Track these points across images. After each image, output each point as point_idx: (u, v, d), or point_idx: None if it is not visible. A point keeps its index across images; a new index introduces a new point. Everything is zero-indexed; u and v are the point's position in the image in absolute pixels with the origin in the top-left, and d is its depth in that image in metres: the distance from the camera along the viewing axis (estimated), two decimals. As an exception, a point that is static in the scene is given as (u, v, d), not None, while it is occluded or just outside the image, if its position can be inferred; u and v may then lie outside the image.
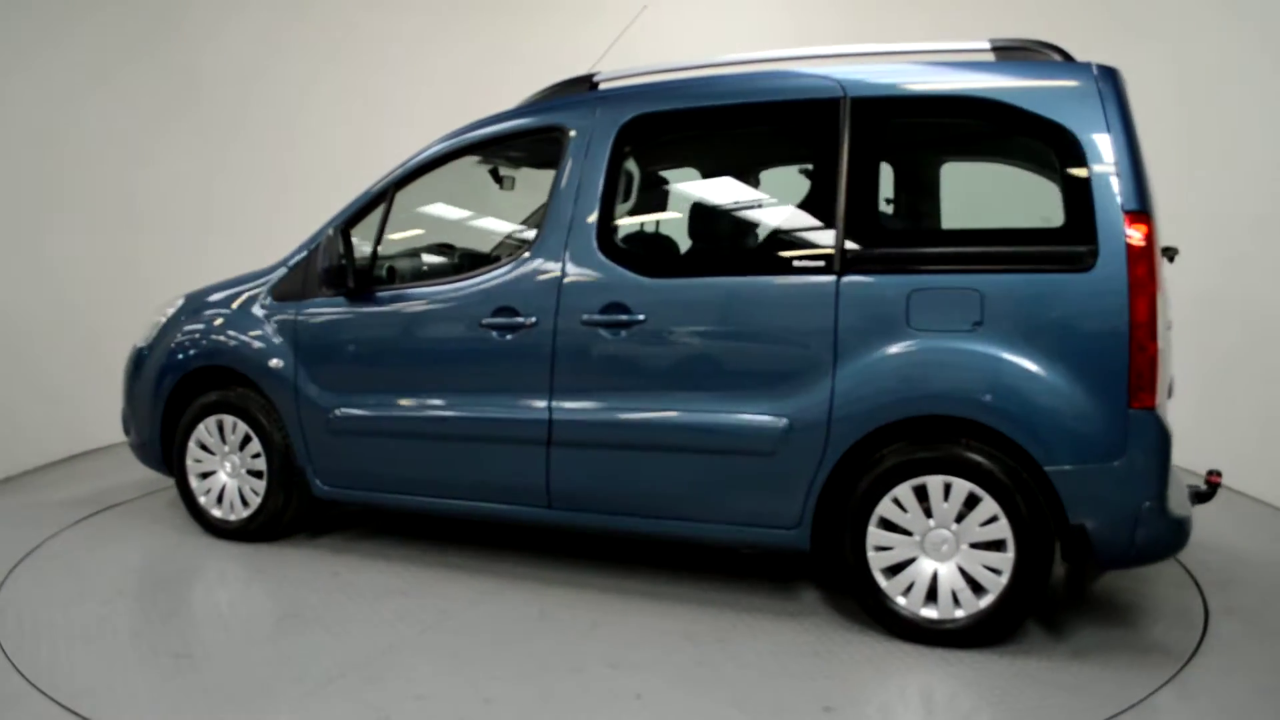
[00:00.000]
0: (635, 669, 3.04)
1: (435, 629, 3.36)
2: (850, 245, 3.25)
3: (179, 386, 4.41)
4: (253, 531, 4.31)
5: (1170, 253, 3.72)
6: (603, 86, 3.86)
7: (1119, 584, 3.78)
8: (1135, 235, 2.97)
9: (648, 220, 3.76)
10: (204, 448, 4.39)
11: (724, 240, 3.77)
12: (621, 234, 3.65)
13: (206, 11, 7.17)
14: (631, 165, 3.72)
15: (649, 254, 3.65)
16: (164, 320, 4.53)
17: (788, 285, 3.32)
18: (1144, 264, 2.96)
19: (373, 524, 4.61)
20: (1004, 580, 3.11)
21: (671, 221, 3.84)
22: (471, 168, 4.29)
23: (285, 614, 3.49)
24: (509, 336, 3.68)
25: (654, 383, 3.52)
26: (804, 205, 3.41)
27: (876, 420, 3.19)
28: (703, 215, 3.82)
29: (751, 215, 3.77)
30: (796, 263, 3.31)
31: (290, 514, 4.27)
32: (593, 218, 3.61)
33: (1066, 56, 3.28)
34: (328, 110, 7.45)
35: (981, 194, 3.51)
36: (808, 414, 3.27)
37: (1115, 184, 3.00)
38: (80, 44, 6.24)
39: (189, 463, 4.42)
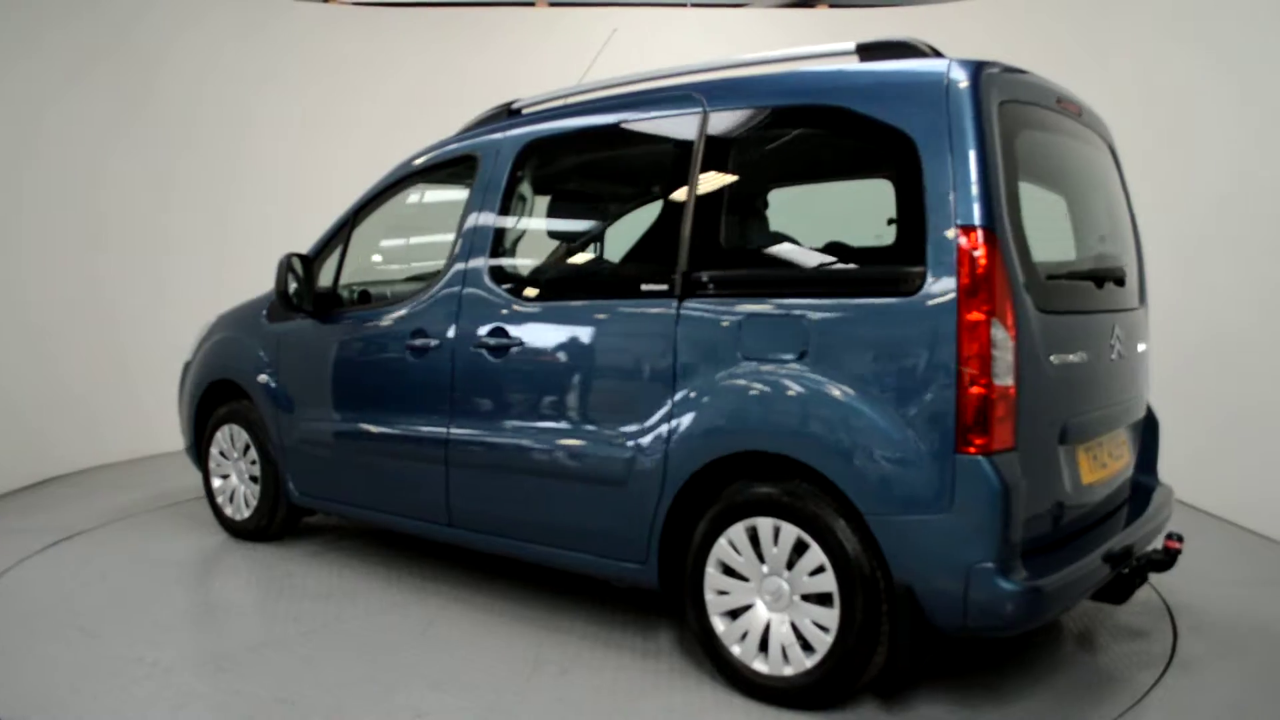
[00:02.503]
0: (454, 689, 3.05)
1: (318, 632, 3.54)
2: (691, 268, 3.08)
3: (204, 397, 4.94)
4: (251, 531, 4.73)
5: (1112, 275, 3.19)
6: (525, 112, 3.90)
7: (1084, 603, 3.41)
8: (968, 253, 2.58)
9: (530, 244, 3.74)
10: (223, 454, 4.88)
11: (588, 263, 3.67)
12: (507, 258, 3.67)
13: (161, 30, 7.02)
14: (525, 190, 3.72)
15: (526, 277, 3.64)
16: (201, 337, 5.10)
17: (635, 310, 3.20)
18: (980, 287, 2.56)
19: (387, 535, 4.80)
20: (829, 640, 2.79)
21: (551, 245, 3.79)
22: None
23: (202, 604, 3.81)
24: (421, 359, 3.81)
25: (526, 406, 3.51)
26: (656, 225, 3.27)
27: (706, 454, 2.99)
28: (572, 238, 3.75)
29: (615, 237, 3.65)
30: (644, 286, 3.18)
31: (280, 517, 4.64)
32: (486, 242, 3.67)
33: (936, 53, 2.90)
34: (293, 130, 7.58)
35: (834, 211, 3.18)
36: (649, 444, 3.12)
37: (952, 196, 2.62)
38: (40, 55, 6.07)
39: (211, 465, 4.94)
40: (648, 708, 2.93)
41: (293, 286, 4.21)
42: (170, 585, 4.12)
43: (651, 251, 3.20)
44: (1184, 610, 3.75)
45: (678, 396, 3.06)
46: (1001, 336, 2.58)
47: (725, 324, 2.99)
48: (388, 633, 3.54)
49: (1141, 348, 3.55)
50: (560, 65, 3.40)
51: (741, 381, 2.94)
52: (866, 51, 3.00)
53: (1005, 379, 2.59)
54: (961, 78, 2.70)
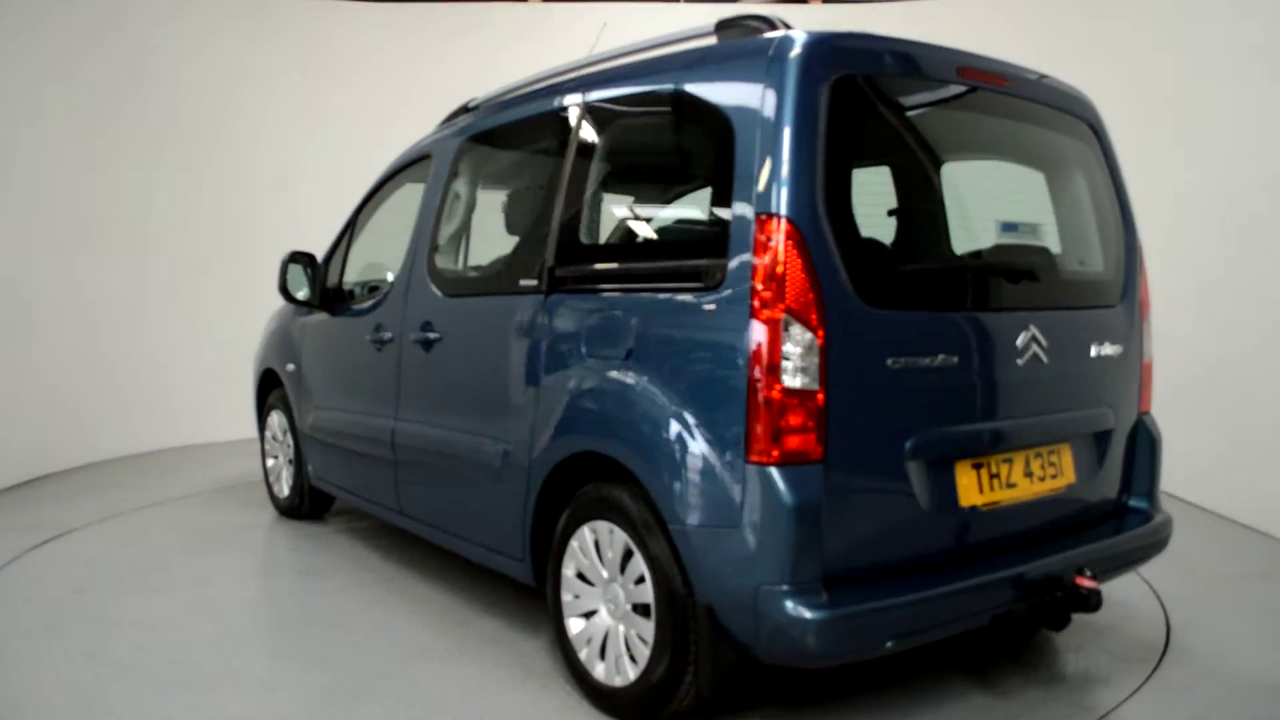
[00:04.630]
0: (327, 666, 3.16)
1: (261, 605, 3.81)
2: (555, 263, 3.01)
3: (260, 385, 5.40)
4: (287, 509, 5.15)
5: (1010, 268, 2.77)
6: (472, 109, 3.96)
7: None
8: (765, 244, 2.35)
9: (458, 240, 3.77)
10: (273, 437, 5.33)
11: (489, 258, 3.62)
12: (439, 254, 3.74)
13: (148, 24, 7.06)
14: (460, 187, 3.77)
15: (450, 273, 3.69)
16: (265, 327, 5.58)
17: (513, 305, 3.17)
18: (775, 281, 2.33)
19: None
20: (647, 654, 2.65)
21: (473, 240, 3.80)
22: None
23: (198, 576, 4.18)
24: (380, 352, 3.98)
25: (441, 399, 3.59)
26: (536, 219, 3.21)
27: (559, 453, 2.92)
28: (484, 232, 3.72)
29: (517, 232, 3.59)
30: (522, 281, 3.15)
31: (308, 498, 5.00)
32: (427, 239, 3.77)
33: (787, 28, 2.64)
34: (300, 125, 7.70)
35: (684, 201, 2.96)
36: (519, 441, 3.10)
37: (758, 181, 2.39)
38: (26, 50, 6.05)
39: (265, 448, 5.40)
40: (491, 704, 2.90)
41: (294, 282, 4.52)
42: (174, 578, 4.49)
43: (531, 246, 3.16)
44: (1177, 604, 3.70)
45: (540, 393, 3.01)
46: (802, 336, 2.32)
47: (575, 321, 2.90)
48: (324, 610, 3.73)
49: (1110, 350, 3.06)
50: (552, 60, 3.41)
51: (583, 381, 2.84)
52: (723, 29, 2.80)
53: (806, 383, 2.33)
54: (785, 51, 2.45)
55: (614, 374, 2.73)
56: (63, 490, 5.87)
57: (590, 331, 2.84)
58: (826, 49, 2.45)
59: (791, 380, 2.32)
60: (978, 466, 2.68)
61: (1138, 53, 5.94)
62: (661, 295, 2.62)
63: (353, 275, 4.59)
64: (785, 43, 2.47)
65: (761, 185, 2.38)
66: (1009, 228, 2.89)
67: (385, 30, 7.95)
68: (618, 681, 2.75)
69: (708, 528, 2.44)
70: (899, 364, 2.45)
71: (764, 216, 2.35)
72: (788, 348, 2.32)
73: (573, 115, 3.12)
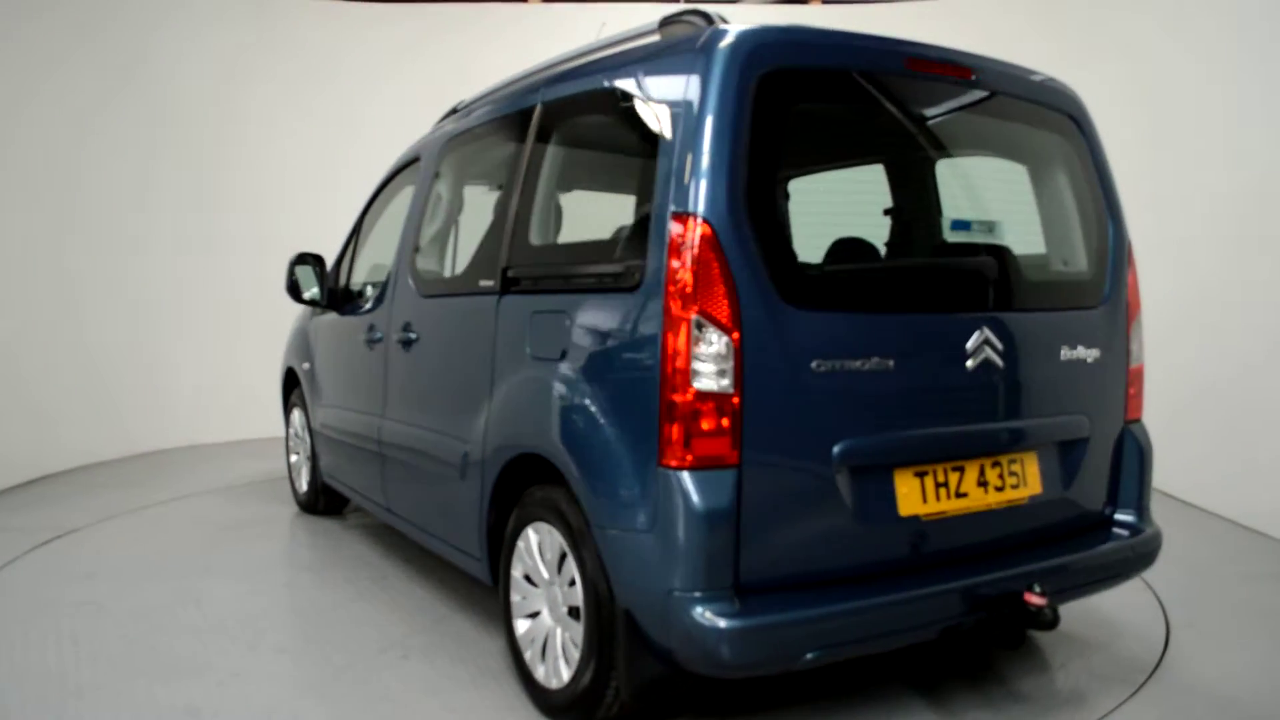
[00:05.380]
0: (288, 657, 3.25)
1: (262, 594, 3.90)
2: (508, 263, 3.02)
3: (285, 384, 5.56)
4: (305, 505, 5.30)
5: (961, 268, 2.65)
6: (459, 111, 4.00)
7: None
8: (678, 244, 2.30)
9: (434, 241, 3.80)
10: (295, 434, 5.48)
11: (462, 258, 3.63)
12: (420, 255, 3.79)
13: (142, 22, 7.10)
14: (441, 188, 3.81)
15: (427, 273, 3.72)
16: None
17: (473, 305, 3.19)
18: (687, 281, 2.28)
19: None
20: (577, 658, 2.63)
21: (447, 241, 3.82)
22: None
23: (203, 567, 4.33)
24: (371, 351, 4.06)
25: (416, 397, 3.63)
26: (495, 220, 3.21)
27: (508, 453, 2.92)
28: (456, 233, 3.74)
29: (481, 231, 3.59)
30: (482, 282, 3.17)
31: (322, 494, 5.12)
32: (411, 239, 3.83)
33: (720, 22, 2.59)
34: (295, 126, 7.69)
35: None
36: (475, 440, 3.11)
37: (680, 179, 2.35)
38: (19, 44, 6.07)
39: (288, 445, 5.56)
40: (440, 701, 2.92)
41: (302, 283, 4.64)
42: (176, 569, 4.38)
43: (491, 247, 3.17)
44: (1176, 605, 3.70)
45: (493, 394, 3.02)
46: (716, 338, 2.27)
47: (521, 322, 2.90)
48: (309, 604, 3.83)
49: (1085, 355, 2.90)
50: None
51: (525, 382, 2.84)
52: (665, 25, 2.75)
53: (720, 386, 2.27)
54: (711, 46, 2.40)
55: (549, 375, 2.72)
56: (70, 489, 5.93)
57: (533, 332, 2.83)
58: (754, 43, 2.39)
59: (704, 383, 2.27)
60: (921, 475, 2.57)
61: (1144, 52, 5.95)
62: (591, 296, 2.60)
63: (360, 276, 4.69)
64: (713, 37, 2.42)
65: (680, 183, 2.33)
66: (960, 226, 2.76)
67: (383, 28, 7.94)
68: (554, 684, 2.74)
69: (625, 531, 2.41)
70: (825, 367, 2.38)
71: (680, 215, 2.31)
72: (700, 350, 2.27)
73: (527, 116, 3.13)
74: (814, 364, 2.36)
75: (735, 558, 2.29)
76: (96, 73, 6.64)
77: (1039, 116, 2.95)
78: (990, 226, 2.78)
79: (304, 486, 5.30)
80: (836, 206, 3.09)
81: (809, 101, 2.53)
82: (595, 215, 2.98)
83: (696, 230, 2.28)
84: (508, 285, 3.01)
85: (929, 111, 2.76)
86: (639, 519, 2.36)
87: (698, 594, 2.26)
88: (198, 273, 7.45)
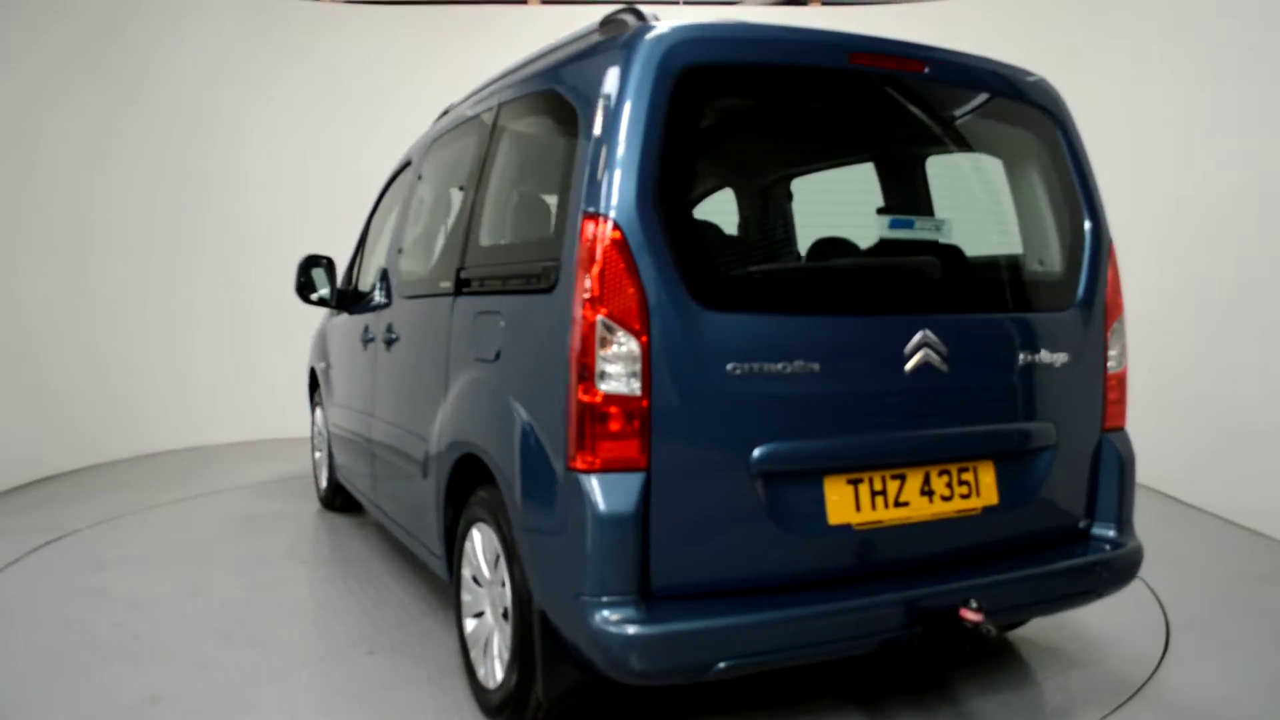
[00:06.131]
0: (258, 648, 3.33)
1: (258, 588, 4.01)
2: (461, 264, 3.04)
3: (310, 383, 5.72)
4: (325, 501, 5.43)
5: (899, 268, 2.54)
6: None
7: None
8: (587, 244, 2.28)
9: (414, 242, 3.83)
10: (319, 433, 5.63)
11: (426, 260, 3.64)
12: (403, 256, 3.84)
13: (152, 31, 7.23)
14: (423, 190, 3.86)
15: (408, 274, 3.77)
16: (319, 330, 5.91)
17: (433, 307, 3.23)
18: (594, 282, 2.25)
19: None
20: (506, 659, 2.63)
21: (426, 242, 3.84)
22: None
23: (206, 559, 4.49)
24: (364, 350, 4.15)
25: (396, 396, 3.69)
26: (455, 222, 3.24)
27: (456, 453, 2.94)
28: (431, 235, 3.76)
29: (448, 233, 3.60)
30: (441, 283, 3.20)
31: (338, 492, 5.24)
32: (397, 241, 3.90)
33: (652, 20, 2.54)
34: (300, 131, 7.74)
35: None
36: (432, 440, 3.15)
37: (593, 179, 2.32)
38: (34, 60, 6.26)
39: (314, 443, 5.72)
40: (389, 696, 2.96)
41: (311, 284, 4.76)
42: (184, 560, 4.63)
43: (451, 249, 3.20)
44: (1176, 606, 3.69)
45: (447, 394, 3.05)
46: (623, 340, 2.24)
47: (468, 323, 2.92)
48: (295, 598, 3.95)
49: (1052, 359, 2.76)
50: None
51: (468, 382, 2.86)
52: (604, 25, 2.73)
53: (627, 388, 2.25)
54: (630, 44, 2.37)
55: (485, 376, 2.73)
56: (87, 487, 6.07)
57: (475, 333, 2.85)
58: (673, 40, 2.35)
59: (612, 386, 2.24)
60: (855, 482, 2.48)
61: (1139, 54, 5.94)
62: (518, 297, 2.60)
63: (368, 276, 4.80)
64: (635, 35, 2.39)
65: (593, 183, 2.31)
66: (900, 224, 2.65)
67: (386, 33, 7.98)
68: (490, 684, 2.75)
69: (540, 534, 2.40)
70: (741, 370, 2.32)
71: (591, 215, 2.29)
72: (607, 352, 2.24)
73: (484, 119, 3.16)
74: (730, 367, 2.31)
75: (645, 563, 2.25)
76: (107, 88, 6.81)
77: (1006, 111, 2.83)
78: (938, 225, 2.67)
79: (324, 484, 5.44)
80: (830, 205, 3.03)
81: (736, 98, 2.48)
82: (517, 216, 2.96)
83: (605, 231, 2.25)
84: (460, 287, 3.03)
85: (877, 108, 2.66)
86: (551, 521, 2.34)
87: (603, 599, 2.23)
88: (207, 275, 7.53)
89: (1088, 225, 2.91)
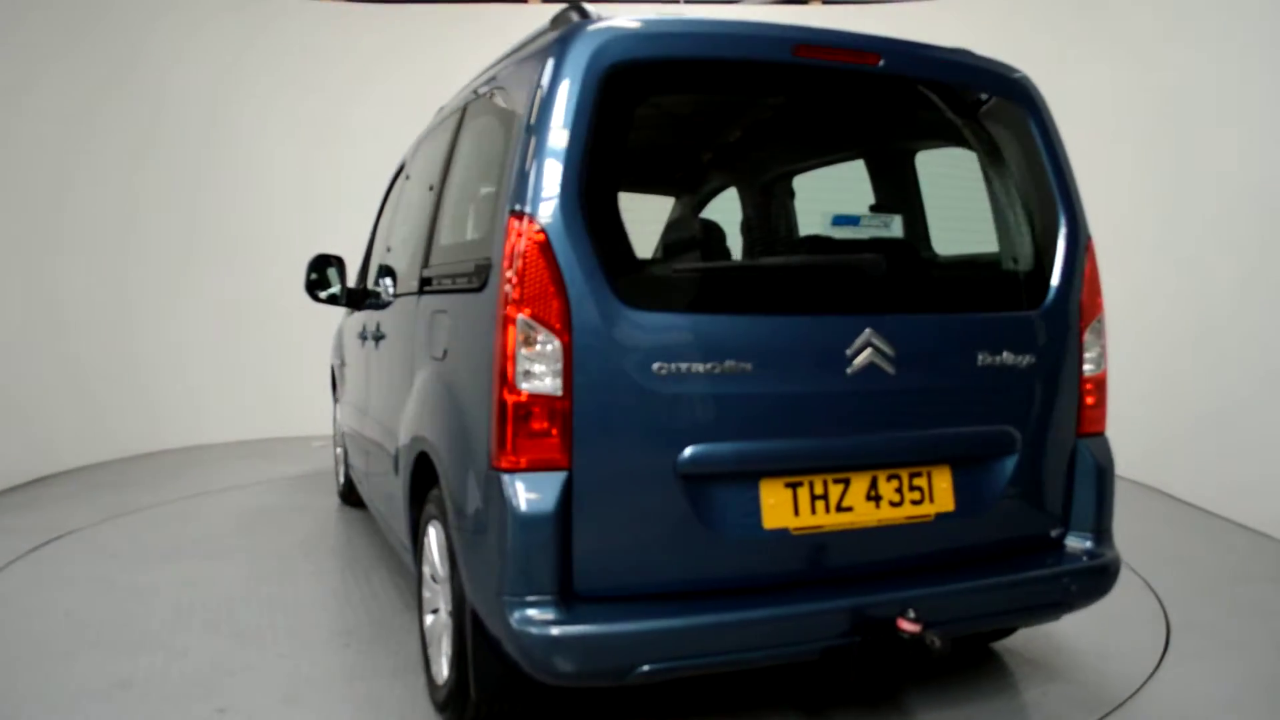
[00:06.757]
0: (240, 641, 3.40)
1: (270, 580, 4.11)
2: (424, 263, 3.08)
3: (332, 381, 5.84)
4: (344, 497, 5.54)
5: (837, 267, 2.47)
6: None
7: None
8: (512, 245, 2.27)
9: (399, 242, 3.86)
10: (339, 429, 5.75)
11: (407, 260, 3.65)
12: (391, 256, 3.89)
13: (170, 40, 7.23)
14: (411, 190, 3.89)
15: (391, 275, 3.80)
16: (343, 328, 6.03)
17: (406, 305, 3.27)
18: (514, 281, 2.24)
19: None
20: (450, 654, 2.64)
21: (410, 242, 3.87)
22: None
23: (215, 547, 4.61)
24: (362, 348, 4.22)
25: (377, 395, 3.75)
26: (425, 221, 3.26)
27: (413, 452, 2.97)
28: (408, 235, 3.78)
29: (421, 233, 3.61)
30: (411, 282, 3.23)
31: (353, 487, 5.34)
32: (388, 241, 3.96)
33: (587, 16, 2.51)
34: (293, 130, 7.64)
35: None
36: (399, 438, 3.18)
37: (519, 177, 2.31)
38: (9, 49, 6.05)
39: (335, 439, 5.84)
40: (354, 690, 3.01)
41: (320, 282, 4.85)
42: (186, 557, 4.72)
43: (421, 249, 3.23)
44: (1177, 605, 3.69)
45: (411, 392, 3.08)
46: (545, 339, 2.23)
47: (426, 322, 2.95)
48: (289, 591, 4.00)
49: (1016, 361, 2.65)
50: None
51: (424, 381, 2.88)
52: (553, 23, 2.71)
53: (548, 388, 2.23)
54: (562, 42, 2.35)
55: (435, 374, 2.75)
56: (90, 485, 6.08)
57: (432, 332, 2.87)
58: (602, 36, 2.32)
59: (534, 385, 2.23)
60: (794, 486, 2.42)
61: (1144, 52, 5.91)
62: (459, 296, 2.61)
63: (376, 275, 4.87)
64: (568, 32, 2.37)
65: (520, 181, 2.30)
66: (844, 222, 2.57)
67: (378, 31, 7.89)
68: (439, 680, 2.77)
69: (469, 532, 2.40)
70: (667, 370, 2.28)
71: (516, 214, 2.28)
72: (528, 351, 2.23)
73: (452, 119, 3.18)
74: (656, 367, 2.27)
75: (566, 564, 2.24)
76: (86, 76, 6.59)
77: (971, 103, 2.73)
78: (885, 222, 2.59)
79: (341, 479, 5.55)
80: (776, 204, 2.97)
81: (671, 95, 2.44)
82: (465, 216, 2.95)
83: (528, 230, 2.24)
84: (423, 286, 3.06)
85: (827, 103, 2.59)
86: (479, 520, 2.34)
87: (524, 598, 2.22)
88: (191, 274, 7.48)
89: (1062, 222, 2.78)
